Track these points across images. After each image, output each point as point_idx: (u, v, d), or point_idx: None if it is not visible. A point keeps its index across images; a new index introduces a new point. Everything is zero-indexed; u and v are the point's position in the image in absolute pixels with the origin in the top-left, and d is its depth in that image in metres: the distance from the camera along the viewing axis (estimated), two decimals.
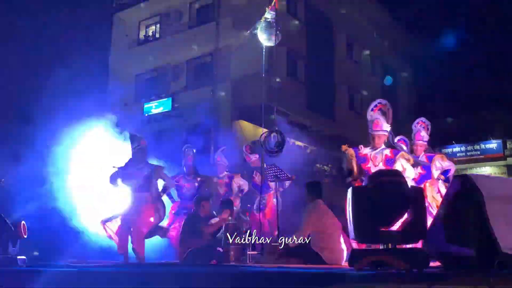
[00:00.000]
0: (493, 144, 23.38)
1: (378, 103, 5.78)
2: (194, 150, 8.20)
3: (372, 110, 5.75)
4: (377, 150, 5.67)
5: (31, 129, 8.55)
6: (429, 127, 6.83)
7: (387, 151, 5.66)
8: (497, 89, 23.53)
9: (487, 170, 23.19)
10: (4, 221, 5.67)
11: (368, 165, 5.68)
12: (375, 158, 5.66)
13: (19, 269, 5.04)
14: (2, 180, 8.26)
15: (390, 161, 5.59)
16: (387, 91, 24.46)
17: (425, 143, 6.73)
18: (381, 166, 5.60)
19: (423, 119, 6.86)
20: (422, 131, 6.72)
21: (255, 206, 8.08)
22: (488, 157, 23.31)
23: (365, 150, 5.73)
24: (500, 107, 23.02)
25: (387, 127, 5.64)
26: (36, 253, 7.98)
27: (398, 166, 5.50)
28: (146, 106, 18.61)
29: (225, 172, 8.36)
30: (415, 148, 6.69)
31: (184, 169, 8.11)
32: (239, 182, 8.24)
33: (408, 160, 5.59)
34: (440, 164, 6.47)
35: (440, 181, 6.39)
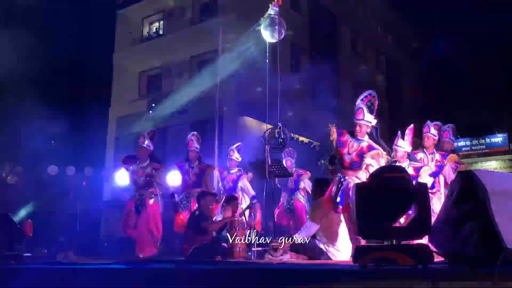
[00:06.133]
0: (498, 138, 23.26)
1: (368, 94, 5.87)
2: (194, 137, 8.10)
3: (362, 100, 5.85)
4: (357, 140, 5.75)
5: (34, 126, 8.61)
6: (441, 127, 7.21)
7: (365, 144, 5.75)
8: (502, 82, 23.41)
9: (492, 164, 23.09)
10: (10, 219, 5.72)
11: (344, 151, 5.80)
12: (352, 146, 5.76)
13: (24, 267, 5.07)
14: (8, 177, 8.31)
15: (361, 154, 5.68)
16: (392, 87, 24.38)
17: (432, 135, 6.94)
18: (353, 155, 5.70)
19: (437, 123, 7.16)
20: (431, 129, 6.97)
21: (284, 206, 8.19)
22: (493, 151, 23.20)
23: (347, 136, 5.84)
24: (505, 101, 22.90)
25: (370, 118, 5.75)
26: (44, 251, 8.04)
27: (367, 161, 5.58)
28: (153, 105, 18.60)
29: (236, 168, 8.32)
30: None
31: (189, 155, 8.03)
32: (245, 182, 8.18)
33: (378, 155, 5.65)
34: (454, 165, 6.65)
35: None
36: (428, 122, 7.01)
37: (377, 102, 5.82)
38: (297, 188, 8.45)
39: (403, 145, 6.57)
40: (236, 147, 8.43)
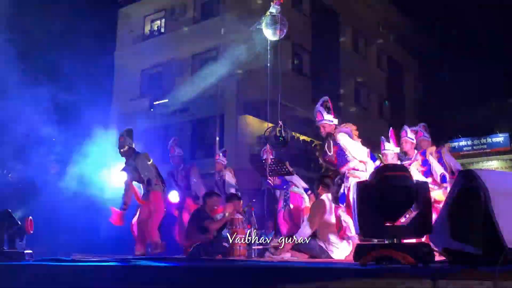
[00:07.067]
0: (500, 138, 23.23)
1: (323, 100, 6.29)
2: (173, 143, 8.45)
3: (320, 105, 6.25)
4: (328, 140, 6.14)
5: (34, 124, 8.64)
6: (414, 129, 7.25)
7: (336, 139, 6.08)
8: (504, 81, 23.38)
9: (494, 164, 23.08)
10: (11, 216, 5.73)
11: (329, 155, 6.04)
12: (329, 147, 6.10)
13: (26, 264, 5.08)
14: (9, 174, 8.33)
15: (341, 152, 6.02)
16: (393, 86, 24.36)
17: (410, 139, 6.98)
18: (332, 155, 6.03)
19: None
20: (408, 133, 7.03)
21: (280, 203, 8.17)
22: (494, 151, 23.17)
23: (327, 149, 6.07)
24: (507, 100, 22.86)
25: (329, 117, 6.15)
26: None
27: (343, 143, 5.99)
28: (155, 103, 18.63)
29: (223, 169, 8.59)
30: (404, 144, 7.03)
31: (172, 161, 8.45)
32: (226, 172, 8.37)
33: (345, 134, 6.04)
34: (434, 156, 6.71)
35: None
36: (405, 126, 7.09)
37: (331, 104, 6.27)
38: (287, 182, 8.36)
39: (391, 147, 6.63)
40: (221, 151, 8.86)
